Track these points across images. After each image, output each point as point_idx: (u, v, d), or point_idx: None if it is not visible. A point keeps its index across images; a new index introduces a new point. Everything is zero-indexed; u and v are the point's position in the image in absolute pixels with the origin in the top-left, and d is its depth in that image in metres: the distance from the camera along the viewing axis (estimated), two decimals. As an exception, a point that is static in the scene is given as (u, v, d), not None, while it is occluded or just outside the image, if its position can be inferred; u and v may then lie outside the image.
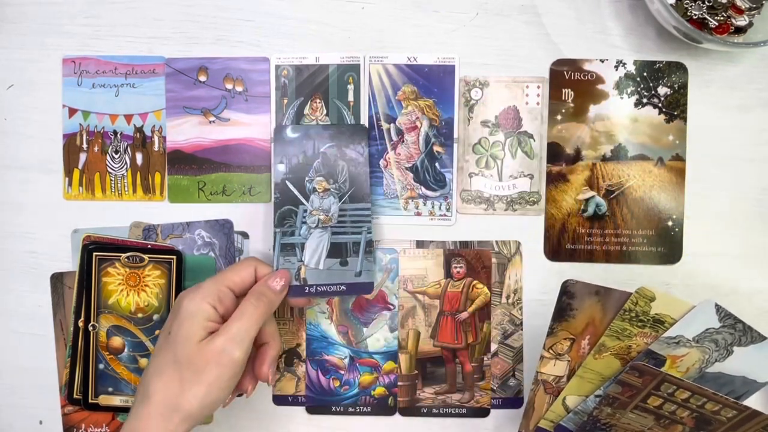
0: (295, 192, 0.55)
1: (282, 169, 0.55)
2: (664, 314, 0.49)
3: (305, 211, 0.55)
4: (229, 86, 0.58)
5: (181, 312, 0.46)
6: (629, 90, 0.57)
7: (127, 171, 0.58)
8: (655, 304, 0.49)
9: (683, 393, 0.46)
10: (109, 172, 0.58)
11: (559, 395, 0.51)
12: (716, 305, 0.48)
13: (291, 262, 0.54)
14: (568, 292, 0.51)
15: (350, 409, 0.58)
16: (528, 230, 0.58)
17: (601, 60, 0.57)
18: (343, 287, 0.54)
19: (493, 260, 0.57)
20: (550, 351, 0.52)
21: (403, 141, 0.58)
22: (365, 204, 0.55)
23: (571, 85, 0.57)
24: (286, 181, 0.55)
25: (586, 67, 0.57)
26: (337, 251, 0.55)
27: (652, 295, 0.49)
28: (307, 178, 0.55)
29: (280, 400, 0.58)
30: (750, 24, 0.54)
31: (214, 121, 0.58)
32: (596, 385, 0.51)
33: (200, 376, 0.45)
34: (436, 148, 0.57)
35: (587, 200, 0.57)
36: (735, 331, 0.49)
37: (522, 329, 0.58)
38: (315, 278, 0.54)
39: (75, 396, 0.56)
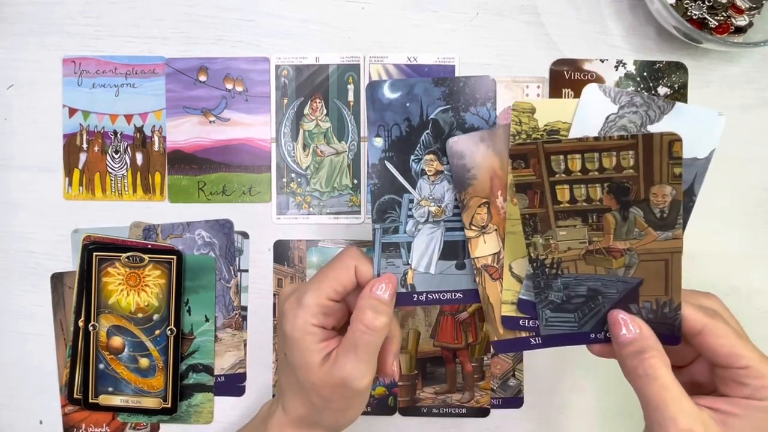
0: (398, 176, 0.43)
1: (379, 144, 0.43)
2: (554, 122, 0.42)
3: (411, 201, 0.44)
4: (229, 86, 0.58)
5: (288, 338, 0.42)
6: (629, 90, 0.57)
7: (127, 171, 0.58)
8: (538, 115, 0.42)
9: (574, 160, 0.39)
10: (109, 172, 0.58)
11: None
12: (599, 86, 0.41)
13: (395, 265, 0.44)
14: (454, 152, 0.42)
15: (350, 409, 0.58)
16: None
17: (601, 60, 0.57)
18: (459, 294, 0.45)
19: (493, 260, 0.57)
20: (472, 228, 0.43)
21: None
22: None
23: (571, 85, 0.57)
24: (386, 162, 0.43)
25: (586, 67, 0.57)
26: (452, 251, 0.44)
27: (529, 106, 0.42)
28: (413, 157, 0.43)
29: (280, 400, 0.58)
30: (750, 24, 0.54)
31: (214, 121, 0.58)
32: None
33: (329, 404, 0.43)
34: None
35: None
36: (637, 107, 0.41)
37: (522, 329, 0.58)
38: (425, 284, 0.44)
39: (75, 396, 0.56)
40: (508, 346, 0.44)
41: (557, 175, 0.40)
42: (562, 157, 0.39)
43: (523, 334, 0.44)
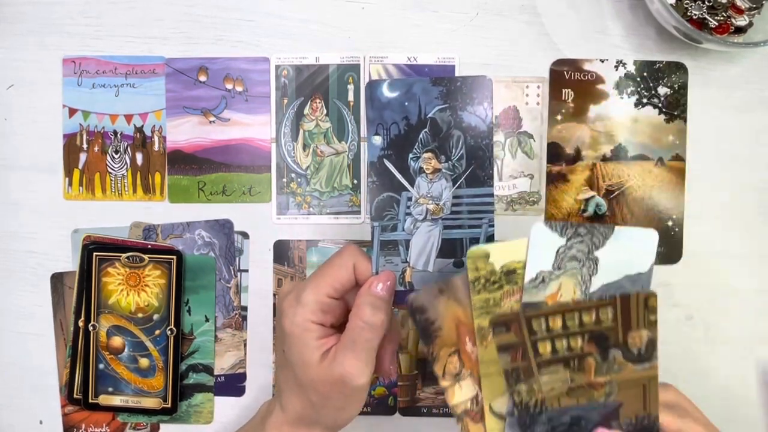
0: (397, 174, 0.43)
1: (378, 142, 0.43)
2: (509, 263, 0.42)
3: (410, 198, 0.44)
4: (229, 86, 0.58)
5: (287, 335, 0.43)
6: (629, 90, 0.57)
7: (127, 171, 0.58)
8: (493, 259, 0.42)
9: (556, 320, 0.41)
10: (109, 172, 0.58)
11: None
12: (545, 222, 0.42)
13: (393, 263, 0.44)
14: (416, 308, 0.43)
15: (350, 409, 0.58)
16: (528, 230, 0.57)
17: (601, 60, 0.57)
18: None
19: (493, 260, 0.57)
20: (446, 378, 0.44)
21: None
22: (486, 189, 0.44)
23: (571, 85, 0.57)
24: (384, 160, 0.43)
25: (586, 67, 0.57)
26: (450, 249, 0.44)
27: (483, 251, 0.42)
28: (411, 155, 0.43)
29: (280, 400, 0.58)
30: (750, 24, 0.54)
31: (214, 121, 0.58)
32: None
33: (328, 402, 0.43)
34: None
35: (587, 200, 0.57)
36: (582, 236, 0.42)
37: (522, 329, 0.58)
38: (423, 282, 0.44)
39: (75, 396, 0.56)
40: None
41: (538, 335, 0.41)
42: (543, 319, 0.41)
43: None
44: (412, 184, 0.44)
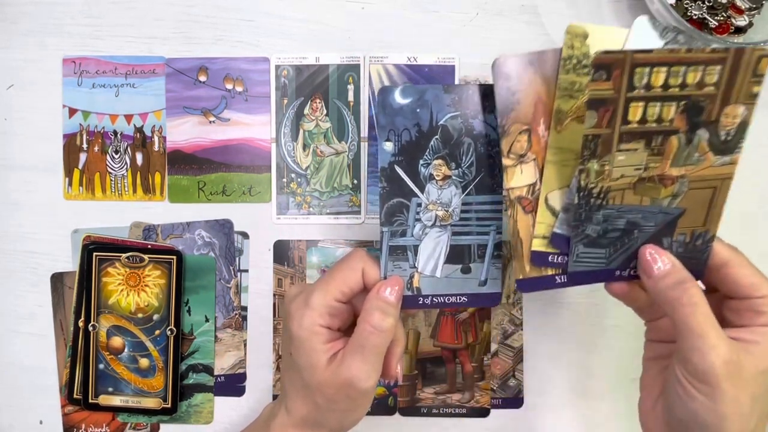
0: (407, 180, 0.43)
1: (389, 148, 0.43)
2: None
3: (419, 205, 0.44)
4: (229, 86, 0.58)
5: (294, 338, 0.43)
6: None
7: (127, 171, 0.58)
8: (590, 41, 0.41)
9: (659, 74, 0.38)
10: (109, 172, 0.58)
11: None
12: (649, 18, 0.42)
13: (402, 268, 0.44)
14: (502, 73, 0.41)
15: (350, 409, 0.58)
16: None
17: (601, 60, 0.57)
18: (464, 299, 0.45)
19: (493, 260, 0.57)
20: (510, 156, 0.42)
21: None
22: (495, 196, 0.44)
23: (571, 84, 0.57)
24: (395, 166, 0.43)
25: (586, 66, 0.57)
26: (458, 255, 0.45)
27: (583, 30, 0.41)
28: (421, 162, 0.43)
29: (280, 400, 0.58)
30: (750, 24, 0.54)
31: (214, 121, 0.58)
32: (573, 165, 0.42)
33: (334, 405, 0.43)
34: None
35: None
36: (680, 45, 0.41)
37: (522, 329, 0.58)
38: (431, 288, 0.45)
39: (75, 396, 0.56)
40: (533, 284, 0.43)
41: (636, 91, 0.39)
42: (647, 69, 0.38)
43: (550, 272, 0.43)
44: (422, 190, 0.44)
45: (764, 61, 0.38)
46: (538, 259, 0.43)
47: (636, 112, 0.39)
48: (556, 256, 0.43)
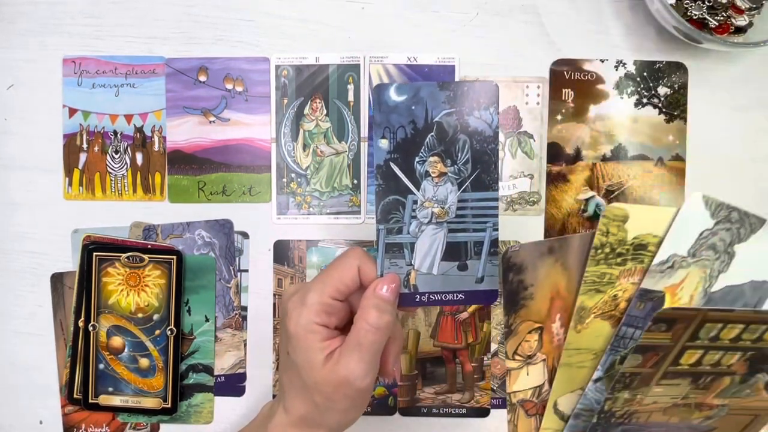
0: (403, 177, 0.43)
1: (385, 146, 0.43)
2: (644, 235, 0.38)
3: (415, 202, 0.44)
4: (229, 86, 0.58)
5: (291, 336, 0.43)
6: (629, 90, 0.57)
7: (127, 171, 0.58)
8: (630, 226, 0.38)
9: (733, 330, 0.35)
10: (109, 172, 0.58)
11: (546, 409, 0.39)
12: (703, 196, 0.38)
13: (398, 265, 0.44)
14: (512, 265, 0.39)
15: (350, 409, 0.58)
16: (528, 230, 0.57)
17: (601, 60, 0.57)
18: (461, 296, 0.45)
19: (493, 260, 0.57)
20: (517, 356, 0.40)
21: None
22: (491, 193, 0.44)
23: (571, 85, 0.57)
24: (391, 163, 0.43)
25: (586, 67, 0.57)
26: (454, 253, 0.45)
27: (623, 213, 0.38)
28: (417, 159, 0.43)
29: (280, 400, 0.58)
30: (750, 24, 0.54)
31: (214, 121, 0.58)
32: (590, 367, 0.39)
33: (332, 404, 0.43)
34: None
35: (587, 200, 0.57)
36: (731, 224, 0.38)
37: (522, 329, 0.58)
38: (427, 285, 0.45)
39: (75, 396, 0.56)
40: None
41: (698, 341, 0.36)
42: (720, 325, 0.36)
43: None
44: (417, 187, 0.44)
45: None
46: None
47: (691, 356, 0.36)
48: None
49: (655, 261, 0.38)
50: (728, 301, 0.37)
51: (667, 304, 0.37)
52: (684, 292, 0.37)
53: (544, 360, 0.40)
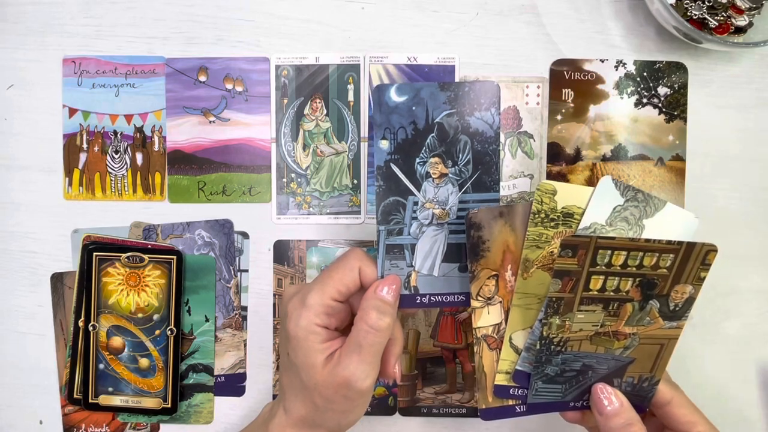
0: (404, 178, 0.43)
1: (385, 147, 0.42)
2: (571, 205, 0.45)
3: (416, 203, 0.44)
4: (229, 86, 0.58)
5: (291, 338, 0.43)
6: (629, 90, 0.57)
7: (127, 171, 0.58)
8: (559, 197, 0.44)
9: (619, 256, 0.42)
10: (109, 172, 0.58)
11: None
12: (612, 179, 0.44)
13: (399, 267, 0.44)
14: (474, 224, 0.44)
15: (350, 409, 0.58)
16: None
17: (601, 60, 0.57)
18: (462, 297, 0.45)
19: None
20: (479, 298, 0.45)
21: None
22: (492, 194, 0.44)
23: (571, 85, 0.57)
24: (391, 164, 0.43)
25: (586, 67, 0.57)
26: (455, 254, 0.45)
27: (552, 188, 0.44)
28: (418, 160, 0.43)
29: (280, 400, 0.58)
30: (750, 24, 0.54)
31: (214, 121, 0.58)
32: (536, 309, 0.46)
33: (332, 405, 0.43)
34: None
35: (587, 200, 0.58)
36: (638, 202, 0.45)
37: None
38: (428, 287, 0.45)
39: (75, 396, 0.56)
40: (495, 413, 0.47)
41: (597, 267, 0.42)
42: (609, 252, 0.42)
43: (510, 403, 0.47)
44: (418, 188, 0.44)
45: (711, 255, 0.43)
46: (500, 391, 0.47)
47: (597, 283, 0.44)
48: (516, 389, 0.47)
49: (580, 226, 0.45)
50: (679, 242, 0.45)
51: None
52: None
53: (500, 302, 0.46)
